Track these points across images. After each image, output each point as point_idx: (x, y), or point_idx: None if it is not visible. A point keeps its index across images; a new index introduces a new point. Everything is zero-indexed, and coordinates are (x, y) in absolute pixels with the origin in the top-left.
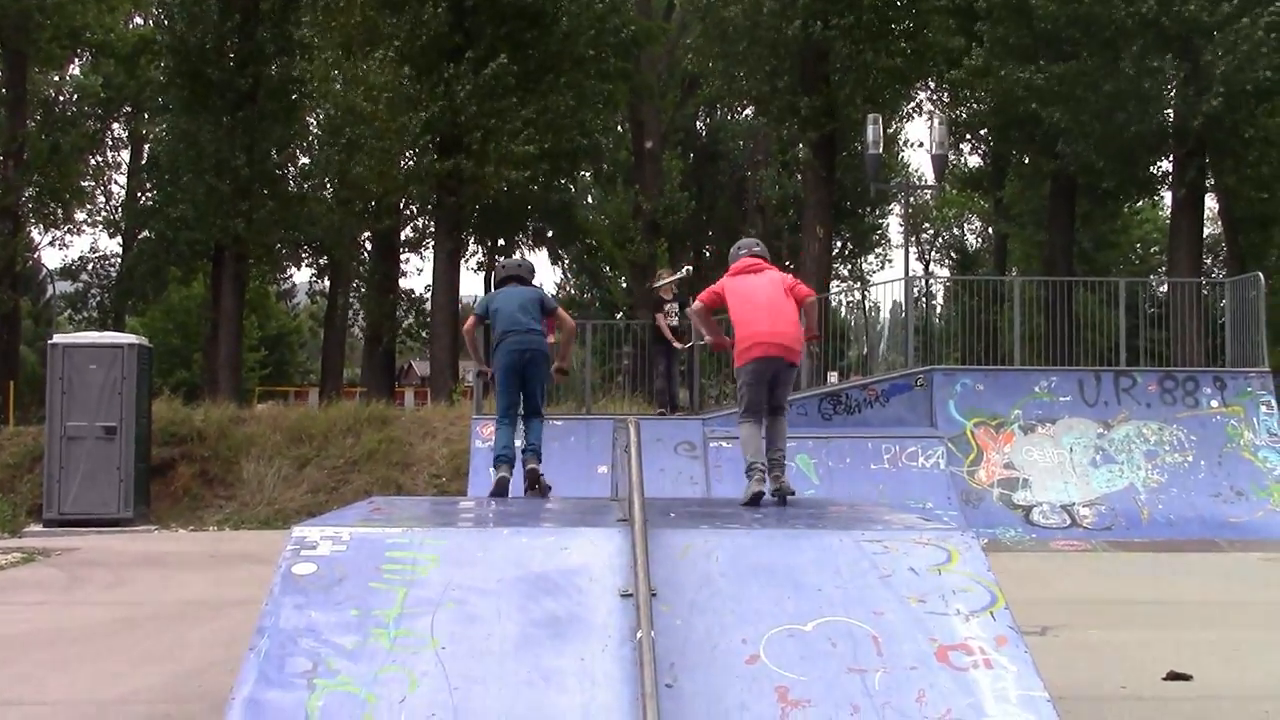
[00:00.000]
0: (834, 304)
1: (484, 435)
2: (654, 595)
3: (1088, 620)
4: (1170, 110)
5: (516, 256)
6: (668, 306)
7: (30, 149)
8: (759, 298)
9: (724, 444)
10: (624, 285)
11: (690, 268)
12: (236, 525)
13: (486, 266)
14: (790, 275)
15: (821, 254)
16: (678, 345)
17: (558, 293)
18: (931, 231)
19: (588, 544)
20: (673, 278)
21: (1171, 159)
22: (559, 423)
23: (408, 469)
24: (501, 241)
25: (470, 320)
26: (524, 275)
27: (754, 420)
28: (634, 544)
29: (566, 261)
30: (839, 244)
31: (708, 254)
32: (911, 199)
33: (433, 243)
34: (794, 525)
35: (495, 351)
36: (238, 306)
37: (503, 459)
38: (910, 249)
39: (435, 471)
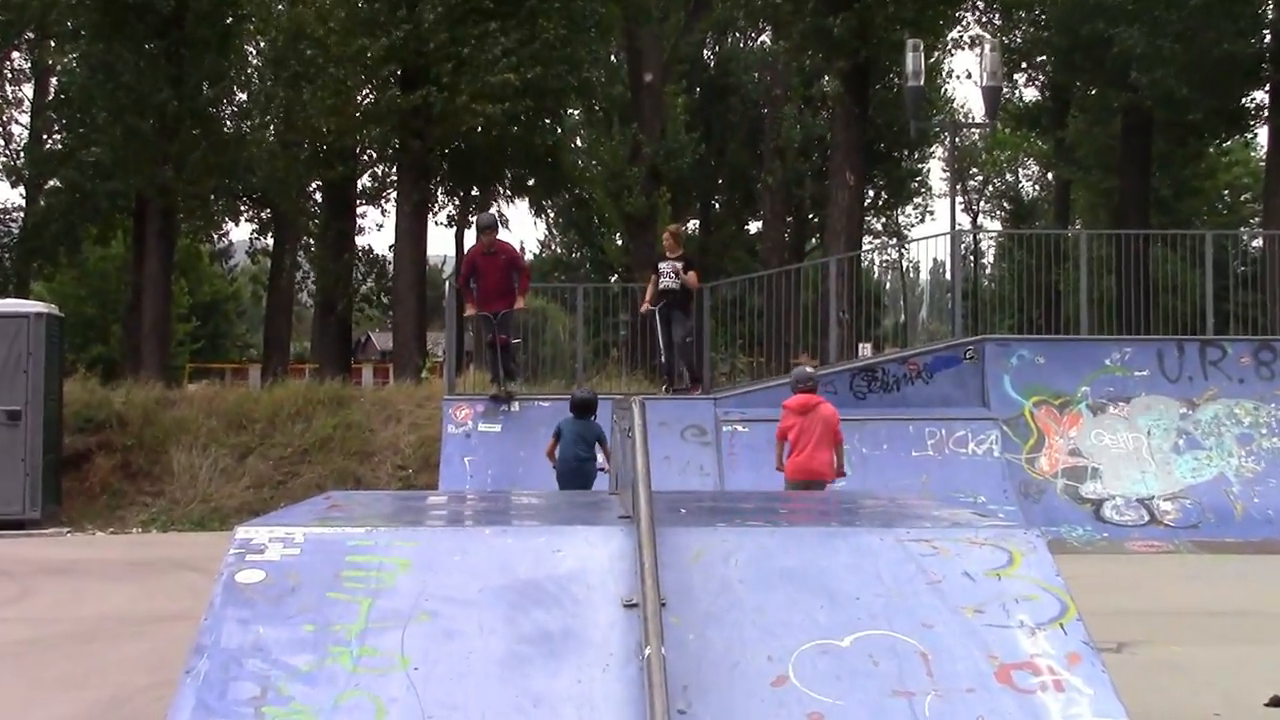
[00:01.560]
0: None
1: (457, 418)
2: (663, 605)
3: (1172, 635)
4: (1267, 30)
5: (586, 390)
6: (663, 266)
7: None
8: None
9: (739, 428)
10: (619, 242)
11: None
12: (165, 527)
13: (458, 220)
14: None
15: (852, 204)
16: (645, 307)
17: (541, 251)
18: (981, 178)
19: (585, 545)
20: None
21: (1269, 88)
22: (545, 404)
23: (368, 459)
24: (476, 191)
25: (550, 445)
26: (585, 410)
27: None
28: (639, 545)
29: (552, 215)
30: (872, 193)
31: (716, 206)
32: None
33: (395, 193)
34: (826, 522)
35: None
36: (164, 269)
37: None
38: (956, 198)
39: (400, 462)
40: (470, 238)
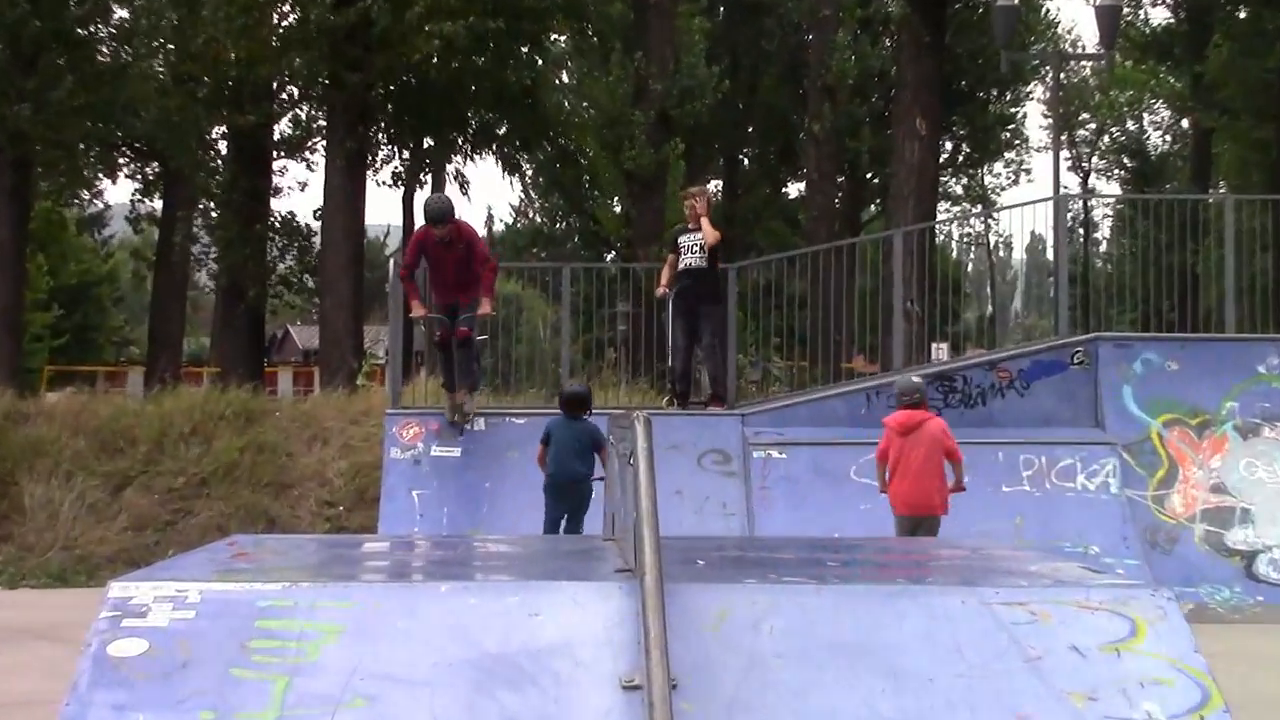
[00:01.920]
0: (941, 238)
1: (404, 439)
2: (673, 688)
3: None
4: None
5: (580, 385)
6: (685, 240)
7: None
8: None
9: (775, 454)
10: (617, 210)
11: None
12: (13, 581)
13: (407, 179)
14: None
15: (923, 160)
16: (660, 290)
17: (515, 220)
18: (1093, 126)
19: (571, 608)
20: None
21: None
22: (519, 420)
23: (285, 492)
24: (429, 142)
25: (539, 452)
26: (578, 407)
27: None
28: (643, 608)
29: (530, 173)
30: (950, 145)
31: (745, 161)
32: (1063, 76)
33: (324, 144)
34: (890, 579)
35: (547, 476)
36: (16, 240)
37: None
38: (1060, 152)
39: (329, 496)
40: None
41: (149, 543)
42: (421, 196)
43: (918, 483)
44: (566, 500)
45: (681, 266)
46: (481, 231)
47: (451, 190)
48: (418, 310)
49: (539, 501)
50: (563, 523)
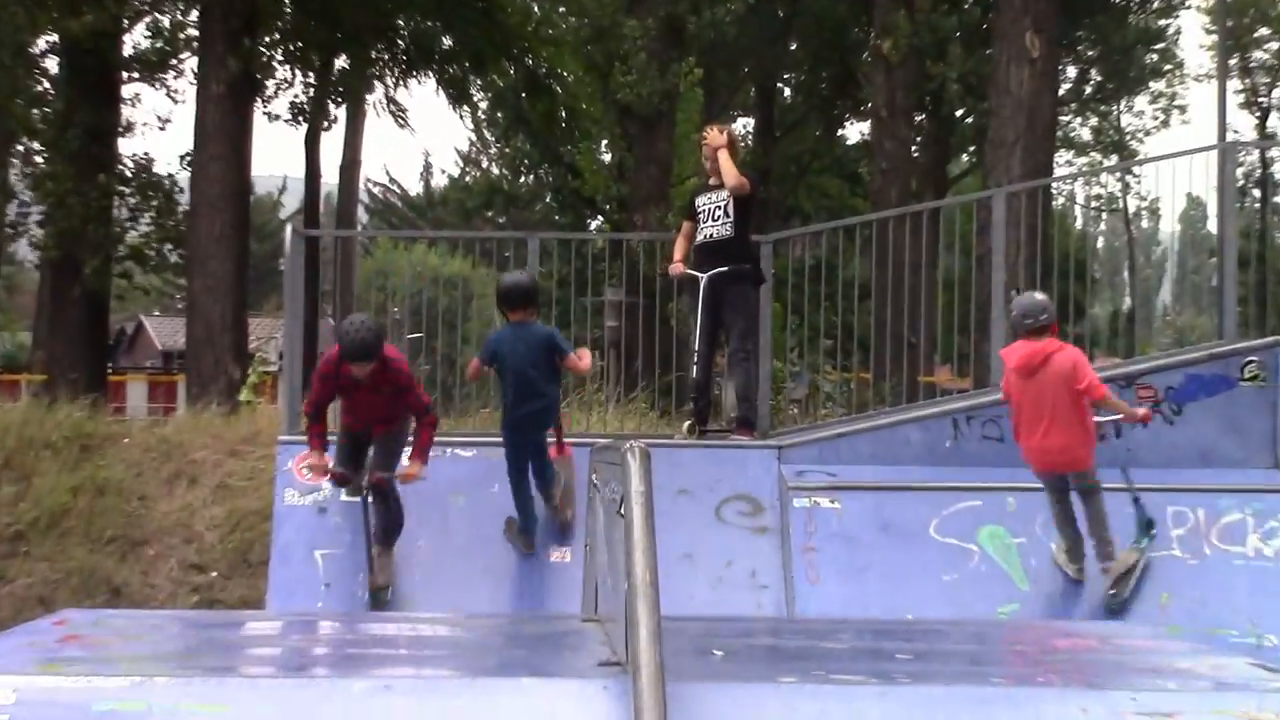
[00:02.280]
0: (1060, 202)
1: (304, 477)
2: None
3: None
4: None
5: (522, 274)
6: (705, 201)
7: None
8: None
9: (825, 502)
10: (607, 158)
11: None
12: None
13: (311, 113)
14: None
15: (1036, 92)
16: (674, 270)
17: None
18: (1277, 46)
19: (536, 713)
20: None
21: None
22: (467, 454)
23: (136, 551)
24: (341, 63)
25: (472, 366)
26: (526, 304)
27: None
28: (636, 716)
29: (485, 106)
30: (1073, 72)
31: (786, 93)
32: None
33: (195, 63)
34: (982, 678)
35: (503, 408)
36: None
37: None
38: (1229, 83)
39: (197, 557)
40: (334, 147)
41: None
42: (329, 136)
43: (1050, 433)
44: (531, 433)
45: (700, 238)
46: (417, 186)
47: (384, 125)
48: (316, 461)
49: (492, 566)
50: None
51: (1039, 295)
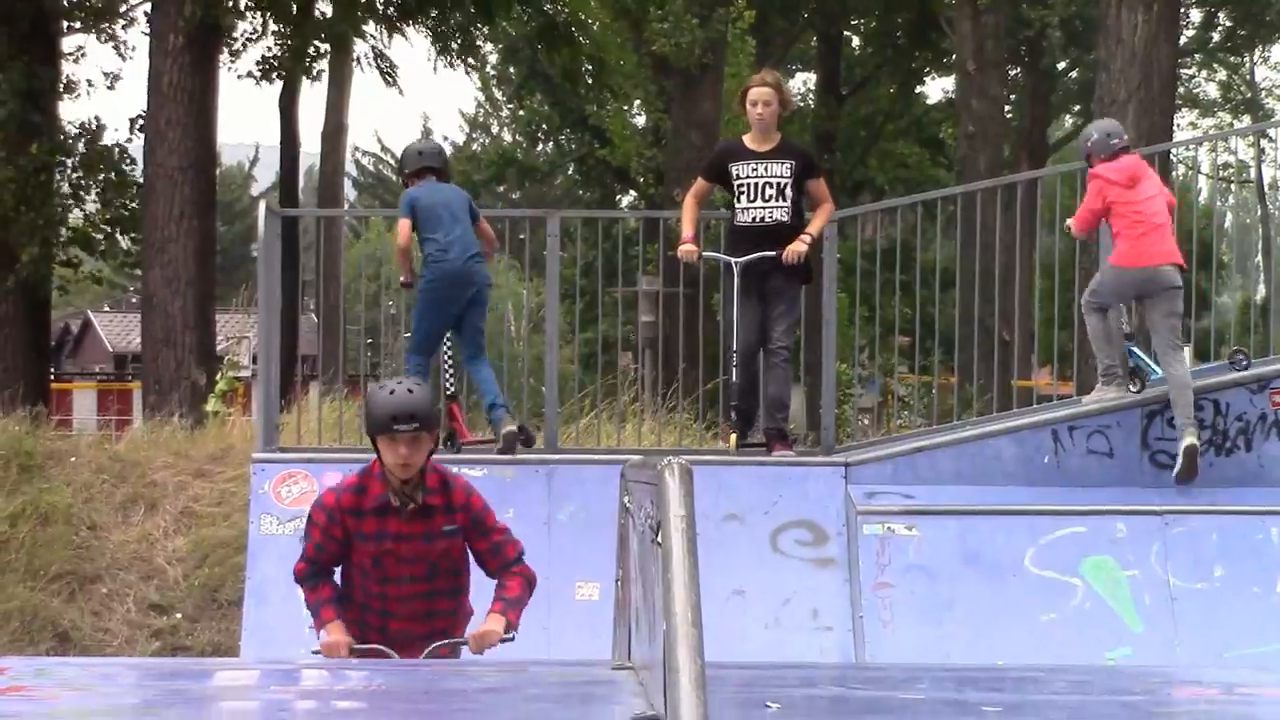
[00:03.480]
0: (1181, 173)
1: (282, 501)
2: None
3: None
4: None
5: (430, 141)
6: (745, 170)
7: None
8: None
9: (900, 528)
10: (641, 121)
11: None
12: None
13: (285, 70)
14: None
15: (1152, 40)
16: (686, 253)
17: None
18: None
19: None
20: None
21: None
22: (478, 473)
23: (87, 587)
24: (323, 9)
25: (404, 228)
26: (444, 167)
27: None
28: None
29: (495, 64)
30: (1197, 16)
31: (856, 44)
32: None
33: (148, 10)
34: None
35: (425, 269)
36: None
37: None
38: None
39: (158, 596)
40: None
41: None
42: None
43: (1161, 237)
44: (462, 293)
45: (745, 219)
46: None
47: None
48: (336, 638)
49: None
50: (448, 345)
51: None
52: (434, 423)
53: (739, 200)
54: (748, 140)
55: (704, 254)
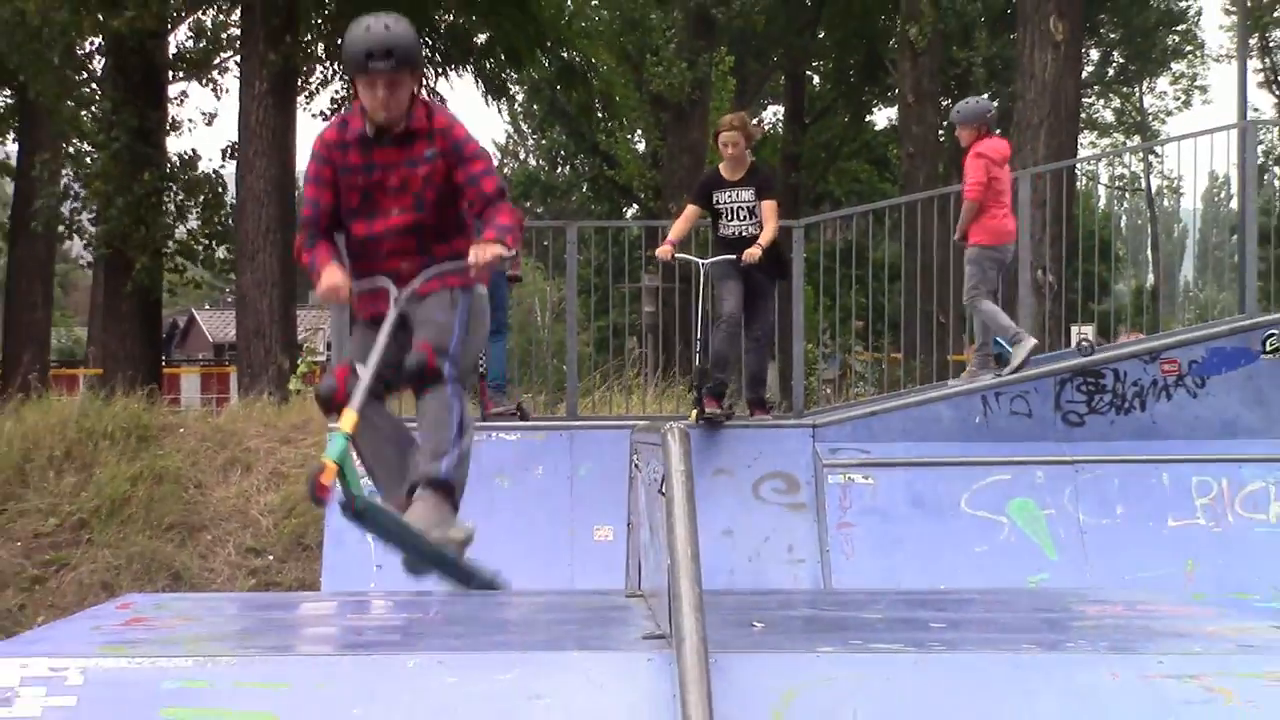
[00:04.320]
0: (1084, 183)
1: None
2: None
3: None
4: None
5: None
6: (725, 197)
7: None
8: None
9: (859, 478)
10: (641, 147)
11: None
12: None
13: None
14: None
15: (1059, 76)
16: (663, 253)
17: (503, 162)
18: None
19: (584, 687)
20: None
21: None
22: (511, 437)
23: (194, 537)
24: None
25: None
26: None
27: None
28: (680, 687)
29: (521, 99)
30: (1095, 55)
31: (816, 81)
32: None
33: (238, 60)
34: (1014, 645)
35: None
36: None
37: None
38: (1249, 63)
39: (253, 542)
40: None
41: (10, 606)
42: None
43: (1012, 217)
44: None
45: (727, 233)
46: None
47: None
48: (334, 280)
49: (537, 546)
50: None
51: (913, 34)
52: (415, 59)
53: (720, 219)
54: (723, 170)
55: (676, 255)
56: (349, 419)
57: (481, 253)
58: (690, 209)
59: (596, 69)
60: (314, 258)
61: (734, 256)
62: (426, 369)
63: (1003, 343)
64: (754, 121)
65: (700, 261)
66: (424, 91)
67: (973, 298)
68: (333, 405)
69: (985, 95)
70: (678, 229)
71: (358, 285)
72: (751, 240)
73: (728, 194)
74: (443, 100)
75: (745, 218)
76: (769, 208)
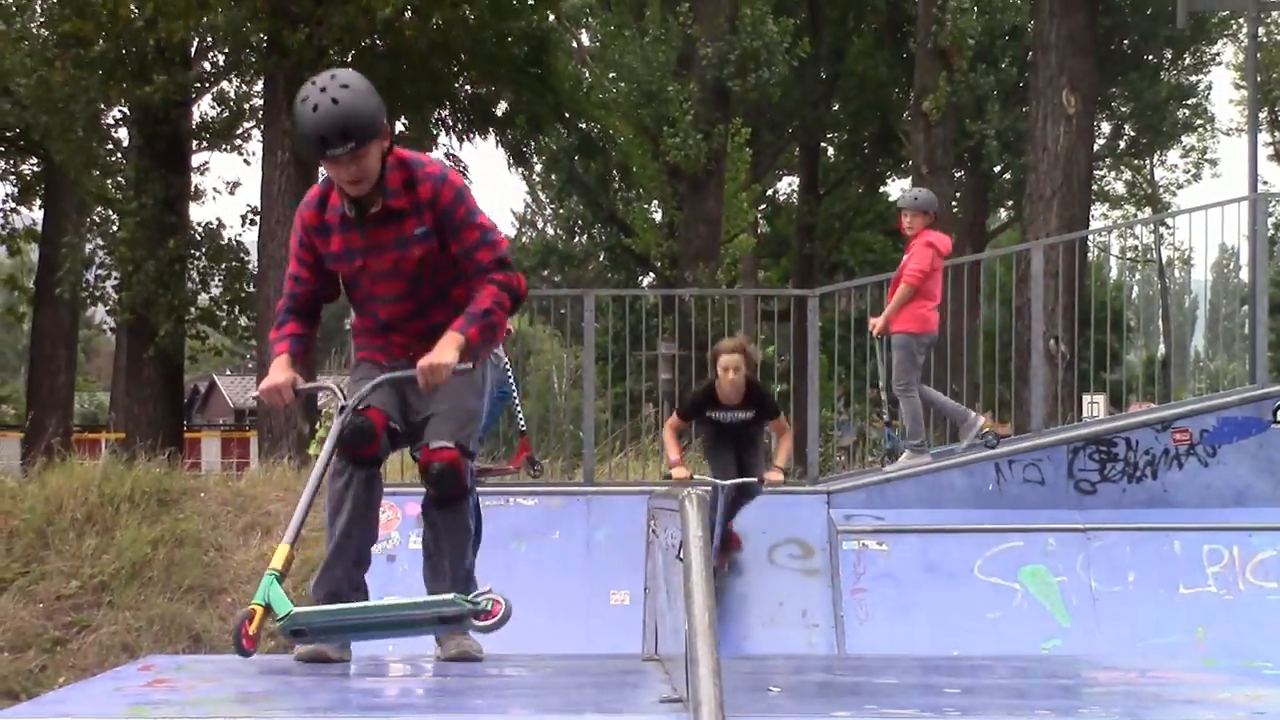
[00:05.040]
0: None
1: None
2: None
3: None
4: None
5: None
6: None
7: None
8: None
9: (872, 544)
10: (658, 217)
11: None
12: None
13: None
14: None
15: (1072, 149)
16: (673, 466)
17: (520, 232)
18: None
19: None
20: None
21: None
22: (529, 502)
23: (215, 599)
24: (403, 125)
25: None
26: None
27: None
28: None
29: (540, 167)
30: (1107, 128)
31: (830, 152)
32: (1262, 31)
33: (261, 130)
34: (1026, 710)
35: None
36: None
37: None
38: (1260, 136)
39: None
40: None
41: (32, 667)
42: None
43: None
44: None
45: (723, 421)
46: (462, 363)
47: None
48: (278, 379)
49: (555, 610)
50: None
51: (926, 112)
52: (375, 129)
53: (720, 423)
54: (720, 395)
55: (696, 476)
56: (281, 554)
57: (431, 371)
58: (677, 421)
59: (614, 140)
60: (276, 339)
61: (738, 485)
62: (456, 491)
63: (895, 438)
64: (748, 341)
65: (722, 484)
66: (402, 146)
67: (905, 385)
68: (367, 449)
69: (956, 176)
70: (674, 448)
71: (303, 387)
72: (744, 424)
73: (725, 414)
74: (464, 167)
75: (741, 418)
76: (778, 424)
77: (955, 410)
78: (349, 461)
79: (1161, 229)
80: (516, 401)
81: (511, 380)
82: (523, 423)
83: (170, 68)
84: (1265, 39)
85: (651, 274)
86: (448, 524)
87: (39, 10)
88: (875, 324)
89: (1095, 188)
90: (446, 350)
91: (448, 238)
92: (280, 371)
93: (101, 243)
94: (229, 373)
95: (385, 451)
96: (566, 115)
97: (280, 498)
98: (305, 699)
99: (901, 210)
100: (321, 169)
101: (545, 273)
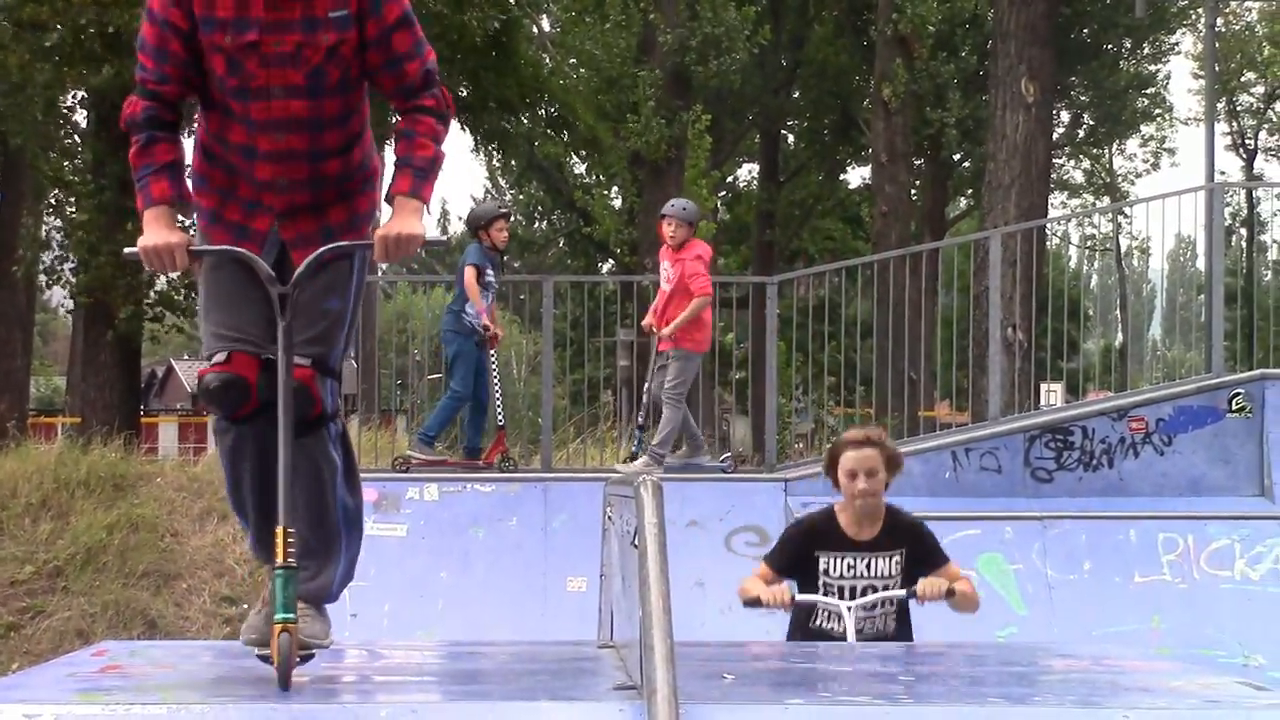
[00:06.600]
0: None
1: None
2: None
3: None
4: None
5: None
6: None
7: None
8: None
9: None
10: (618, 204)
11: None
12: None
13: None
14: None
15: (1030, 138)
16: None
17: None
18: (1261, 90)
19: None
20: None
21: None
22: (486, 489)
23: (170, 585)
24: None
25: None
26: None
27: None
28: None
29: (501, 154)
30: (1066, 117)
31: (791, 140)
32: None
33: None
34: (979, 697)
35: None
36: None
37: None
38: (1217, 126)
39: (228, 590)
40: None
41: None
42: None
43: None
44: None
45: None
46: (434, 232)
47: None
48: (162, 237)
49: (511, 596)
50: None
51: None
52: None
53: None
54: (843, 524)
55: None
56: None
57: (397, 245)
58: (771, 576)
59: (574, 126)
60: (144, 169)
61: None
62: (311, 415)
63: (644, 440)
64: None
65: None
66: None
67: (678, 397)
68: (239, 404)
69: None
70: (758, 586)
71: (200, 250)
72: (882, 579)
73: (852, 558)
74: None
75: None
76: (952, 575)
77: (697, 435)
78: (230, 423)
79: (1120, 218)
80: (499, 399)
81: (497, 375)
82: (501, 418)
83: (127, 52)
84: (1224, 29)
85: (611, 261)
86: (300, 455)
87: None
88: (662, 333)
89: (1054, 176)
90: (413, 219)
91: (369, 38)
92: (165, 227)
93: (60, 227)
94: (186, 357)
95: (264, 393)
96: (531, 102)
97: None
98: (258, 684)
99: (665, 218)
100: None
101: (505, 257)
